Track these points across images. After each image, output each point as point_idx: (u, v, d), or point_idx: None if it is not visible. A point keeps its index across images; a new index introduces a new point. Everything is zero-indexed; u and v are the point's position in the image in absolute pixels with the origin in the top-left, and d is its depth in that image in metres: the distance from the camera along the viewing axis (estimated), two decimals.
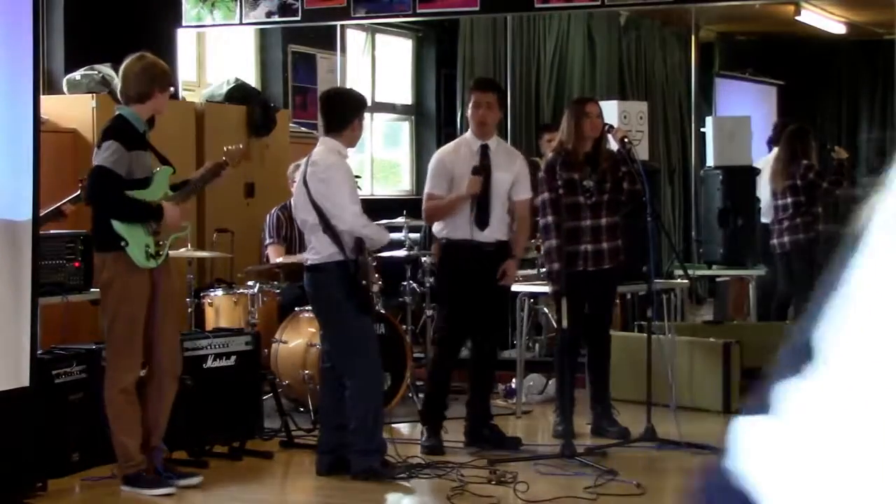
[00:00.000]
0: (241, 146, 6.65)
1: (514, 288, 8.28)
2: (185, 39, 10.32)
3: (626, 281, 7.73)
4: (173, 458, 6.58)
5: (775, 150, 10.23)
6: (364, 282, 6.35)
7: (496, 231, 7.02)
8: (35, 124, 6.04)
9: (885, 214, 0.92)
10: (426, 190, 7.11)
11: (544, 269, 7.42)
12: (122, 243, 6.10)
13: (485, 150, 7.02)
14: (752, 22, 13.19)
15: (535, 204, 7.26)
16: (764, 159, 10.35)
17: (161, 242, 6.22)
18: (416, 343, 8.99)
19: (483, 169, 6.98)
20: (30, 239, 6.01)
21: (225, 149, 6.58)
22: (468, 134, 7.16)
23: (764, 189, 9.88)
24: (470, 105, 7.12)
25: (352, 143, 6.60)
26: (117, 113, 6.24)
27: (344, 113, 6.54)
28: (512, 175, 7.08)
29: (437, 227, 7.13)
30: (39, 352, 6.34)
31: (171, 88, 6.36)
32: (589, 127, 7.24)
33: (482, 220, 6.96)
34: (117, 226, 6.11)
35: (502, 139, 7.55)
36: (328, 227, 6.36)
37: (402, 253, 8.74)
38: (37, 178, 6.02)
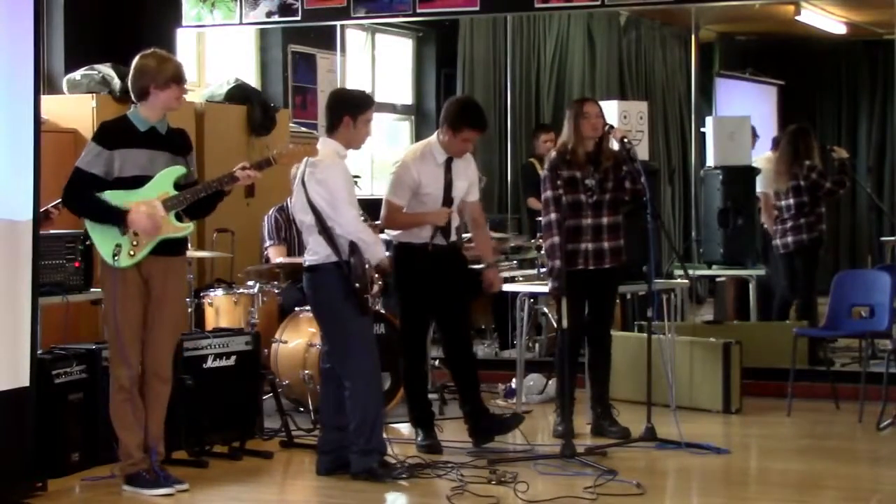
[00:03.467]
0: (290, 146, 6.57)
1: (514, 288, 8.31)
2: (185, 39, 10.31)
3: (626, 281, 7.73)
4: (173, 459, 6.58)
5: (771, 153, 10.26)
6: (357, 284, 6.32)
7: (451, 233, 7.07)
8: (35, 124, 6.04)
9: None
10: (387, 196, 7.00)
11: (545, 268, 7.42)
12: (87, 241, 6.13)
13: (449, 162, 7.03)
14: (752, 22, 13.19)
15: (538, 203, 7.31)
16: (764, 157, 10.35)
17: (136, 243, 6.13)
18: None
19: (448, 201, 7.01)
20: (30, 239, 6.01)
21: (276, 149, 6.47)
22: (436, 145, 7.04)
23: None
24: (459, 136, 6.95)
25: (350, 142, 6.51)
26: (126, 112, 6.29)
27: (336, 111, 6.53)
28: (468, 181, 7.13)
29: (394, 232, 7.10)
30: (39, 352, 6.34)
31: (178, 84, 6.20)
32: (588, 127, 7.25)
33: (446, 231, 6.99)
34: (87, 224, 6.18)
35: None
36: (324, 229, 6.35)
37: None
38: (37, 178, 6.01)
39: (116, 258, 6.12)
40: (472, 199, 7.18)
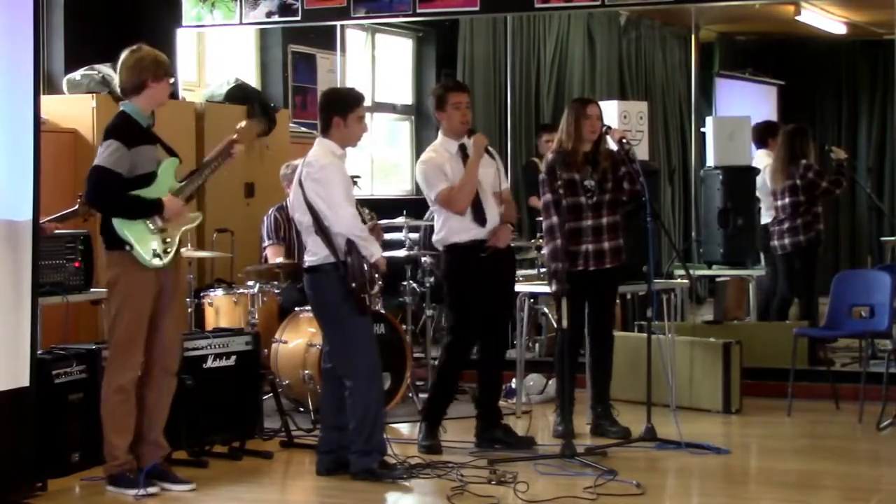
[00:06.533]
0: (252, 122, 6.66)
1: (515, 288, 8.29)
2: (185, 39, 10.32)
3: (626, 281, 7.73)
4: (174, 459, 6.58)
5: (762, 150, 10.26)
6: (354, 284, 6.30)
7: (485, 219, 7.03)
8: (35, 124, 6.04)
9: None
10: (436, 191, 6.93)
11: (545, 269, 7.41)
12: (127, 247, 6.10)
13: (463, 149, 7.03)
14: (752, 22, 13.18)
15: (537, 205, 7.29)
16: (759, 161, 10.33)
17: (168, 240, 6.20)
18: (416, 343, 8.99)
19: (471, 131, 7.03)
20: (30, 239, 6.01)
21: (238, 126, 6.56)
22: (441, 138, 7.10)
23: (764, 189, 9.88)
24: (448, 107, 7.03)
25: (344, 141, 6.51)
26: (120, 109, 6.26)
27: (325, 113, 6.54)
28: (493, 168, 7.11)
29: (437, 236, 7.10)
30: (39, 352, 6.34)
31: (170, 78, 6.27)
32: (588, 128, 7.25)
33: (479, 216, 6.97)
34: (119, 229, 6.10)
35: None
36: (321, 229, 6.35)
37: (402, 253, 8.74)
38: (37, 178, 6.01)
39: (158, 258, 6.13)
40: (499, 189, 7.14)
